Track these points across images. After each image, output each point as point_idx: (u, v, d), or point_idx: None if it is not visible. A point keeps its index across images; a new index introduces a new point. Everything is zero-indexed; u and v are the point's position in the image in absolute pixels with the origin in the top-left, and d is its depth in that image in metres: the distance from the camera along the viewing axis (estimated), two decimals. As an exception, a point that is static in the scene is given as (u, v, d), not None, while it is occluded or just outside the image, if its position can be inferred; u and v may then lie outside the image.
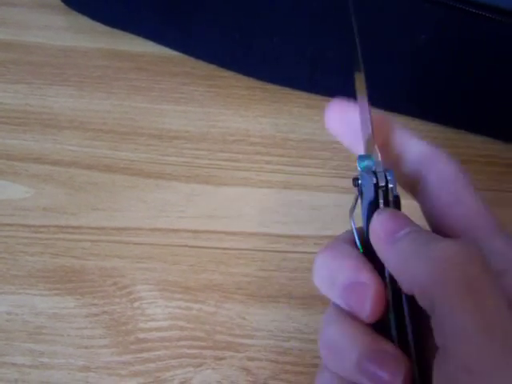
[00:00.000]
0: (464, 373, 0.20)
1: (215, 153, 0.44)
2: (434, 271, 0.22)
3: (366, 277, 0.24)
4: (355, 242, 0.26)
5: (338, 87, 0.46)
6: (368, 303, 0.24)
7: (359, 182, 0.26)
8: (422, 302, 0.22)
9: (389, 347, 0.24)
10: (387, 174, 0.25)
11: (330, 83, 0.45)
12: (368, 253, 0.25)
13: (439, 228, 0.26)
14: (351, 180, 0.27)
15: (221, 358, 0.37)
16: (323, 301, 0.38)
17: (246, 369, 0.37)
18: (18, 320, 0.38)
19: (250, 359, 0.37)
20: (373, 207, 0.25)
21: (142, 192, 0.42)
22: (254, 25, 0.44)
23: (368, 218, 0.25)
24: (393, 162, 0.27)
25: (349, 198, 0.42)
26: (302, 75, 0.46)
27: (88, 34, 0.49)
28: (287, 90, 0.47)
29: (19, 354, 0.37)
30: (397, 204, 0.25)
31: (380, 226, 0.24)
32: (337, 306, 0.26)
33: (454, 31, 0.40)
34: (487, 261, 0.22)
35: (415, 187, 0.27)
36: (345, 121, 0.29)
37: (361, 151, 0.27)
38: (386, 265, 0.24)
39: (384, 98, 0.45)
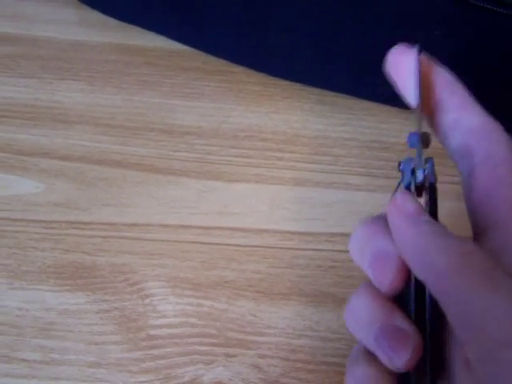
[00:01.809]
0: (503, 348, 0.20)
1: (226, 149, 0.44)
2: (454, 261, 0.22)
3: (391, 248, 0.25)
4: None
5: (350, 83, 0.46)
6: (390, 273, 0.24)
7: (401, 166, 0.27)
8: (434, 289, 0.22)
9: (403, 324, 0.24)
10: (428, 161, 0.27)
11: (342, 79, 0.45)
12: None
13: (476, 209, 0.25)
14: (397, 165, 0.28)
15: (232, 356, 0.37)
16: (334, 298, 0.39)
17: (257, 366, 0.37)
18: (28, 316, 0.38)
19: (261, 357, 0.37)
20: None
21: (153, 188, 0.42)
22: (266, 20, 0.43)
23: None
24: (445, 129, 0.28)
25: (361, 196, 0.42)
26: (314, 71, 0.45)
27: (98, 29, 0.49)
28: (299, 86, 0.46)
29: (30, 350, 0.37)
30: (432, 191, 0.26)
31: (404, 204, 0.25)
32: (366, 282, 0.27)
33: (469, 27, 0.39)
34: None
35: (462, 159, 0.27)
36: (404, 66, 0.29)
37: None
38: (402, 244, 0.24)
39: (398, 95, 0.45)
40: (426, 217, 0.24)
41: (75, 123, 0.44)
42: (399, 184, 0.27)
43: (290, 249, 0.40)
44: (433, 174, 0.27)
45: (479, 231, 0.25)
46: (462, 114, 0.27)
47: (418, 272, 0.23)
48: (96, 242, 0.40)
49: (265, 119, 0.45)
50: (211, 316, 0.38)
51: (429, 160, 0.27)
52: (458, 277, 0.22)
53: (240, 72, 0.47)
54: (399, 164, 0.27)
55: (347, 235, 0.27)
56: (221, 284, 0.39)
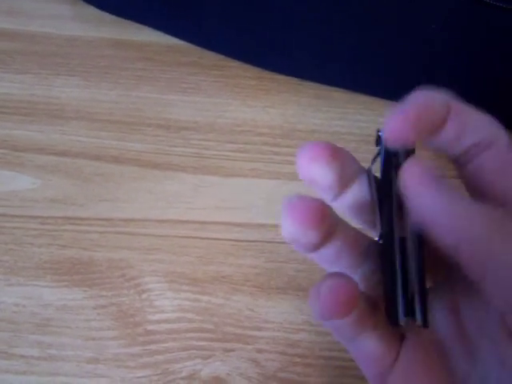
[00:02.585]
0: None
1: (223, 143, 0.44)
2: (491, 224, 0.21)
3: None
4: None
5: (347, 77, 0.46)
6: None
7: (380, 133, 0.26)
8: (468, 254, 0.22)
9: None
10: None
11: (339, 73, 0.45)
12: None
13: (488, 191, 0.25)
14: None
15: (229, 350, 0.37)
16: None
17: (255, 361, 0.37)
18: (25, 312, 0.38)
19: (259, 351, 0.37)
20: (388, 157, 0.26)
21: (150, 183, 0.42)
22: (263, 14, 0.43)
23: (385, 164, 0.26)
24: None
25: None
26: (311, 65, 0.45)
27: (94, 24, 0.49)
28: (295, 81, 0.46)
29: (27, 346, 0.37)
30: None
31: (420, 168, 0.23)
32: None
33: (465, 21, 0.39)
34: None
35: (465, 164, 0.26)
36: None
37: None
38: (428, 210, 0.23)
39: (394, 89, 0.45)
40: (444, 179, 0.23)
41: (71, 119, 0.44)
42: (378, 153, 0.26)
43: (287, 243, 0.40)
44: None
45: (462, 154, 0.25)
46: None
47: (449, 238, 0.22)
48: (93, 238, 0.40)
49: (261, 114, 0.45)
50: (208, 311, 0.38)
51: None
52: (496, 240, 0.21)
53: (236, 66, 0.47)
54: (378, 131, 0.26)
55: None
56: (218, 279, 0.39)
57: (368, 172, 0.27)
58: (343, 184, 0.26)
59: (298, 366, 0.37)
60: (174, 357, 0.37)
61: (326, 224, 0.24)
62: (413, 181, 0.23)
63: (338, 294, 0.24)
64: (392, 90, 0.45)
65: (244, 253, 0.40)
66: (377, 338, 0.26)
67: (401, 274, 0.25)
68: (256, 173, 0.42)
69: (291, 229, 0.25)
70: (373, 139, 0.44)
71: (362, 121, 0.45)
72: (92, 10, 0.49)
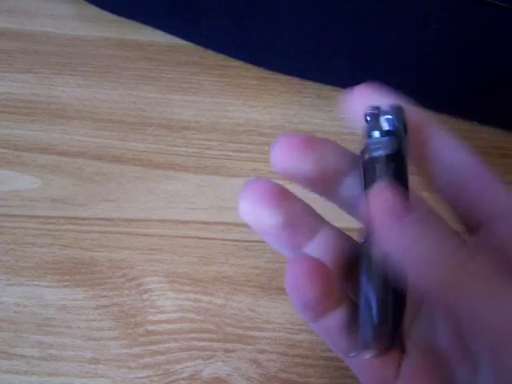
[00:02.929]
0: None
1: (225, 143, 0.43)
2: (454, 273, 0.20)
3: None
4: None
5: (349, 77, 0.46)
6: None
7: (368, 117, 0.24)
8: (438, 301, 0.21)
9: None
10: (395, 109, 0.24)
11: (341, 74, 0.45)
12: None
13: (472, 203, 0.24)
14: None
15: (231, 351, 0.37)
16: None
17: (256, 361, 0.37)
18: (26, 312, 0.37)
19: (260, 352, 0.37)
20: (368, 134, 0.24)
21: (151, 183, 0.42)
22: (264, 14, 0.43)
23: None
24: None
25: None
26: (313, 65, 0.45)
27: (96, 23, 0.49)
28: (297, 81, 0.46)
29: (28, 346, 0.37)
30: (399, 143, 0.23)
31: (383, 203, 0.21)
32: None
33: (467, 21, 0.39)
34: None
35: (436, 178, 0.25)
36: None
37: None
38: (388, 249, 0.21)
39: (396, 89, 0.45)
40: (415, 211, 0.21)
41: (73, 118, 0.44)
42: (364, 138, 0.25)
43: (289, 244, 0.40)
44: (401, 122, 0.24)
45: (475, 225, 0.24)
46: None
47: (418, 284, 0.21)
48: (94, 238, 0.40)
49: (263, 114, 0.45)
50: (210, 311, 0.38)
51: (396, 108, 0.24)
52: (461, 289, 0.20)
53: (238, 66, 0.47)
54: (365, 115, 0.24)
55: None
56: (219, 279, 0.39)
57: (360, 164, 0.25)
58: (328, 178, 0.25)
59: (299, 367, 0.37)
60: (175, 357, 0.37)
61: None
62: (380, 209, 0.22)
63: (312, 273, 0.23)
64: (395, 90, 0.45)
65: (245, 253, 0.40)
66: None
67: (364, 295, 0.24)
68: (258, 173, 0.42)
69: (247, 209, 0.25)
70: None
71: (363, 121, 0.45)
72: (93, 10, 0.49)
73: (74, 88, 0.46)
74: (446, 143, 0.25)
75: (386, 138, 0.24)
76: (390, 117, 0.24)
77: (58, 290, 0.38)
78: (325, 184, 0.25)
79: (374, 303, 0.24)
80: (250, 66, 0.46)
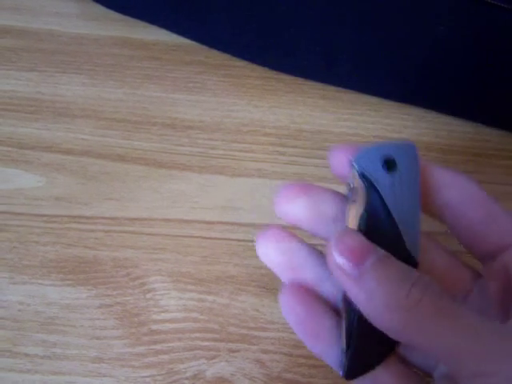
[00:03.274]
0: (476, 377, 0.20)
1: (229, 143, 0.43)
2: (404, 317, 0.22)
3: None
4: None
5: (353, 78, 0.46)
6: None
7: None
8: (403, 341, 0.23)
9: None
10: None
11: (346, 74, 0.45)
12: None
13: (473, 246, 0.26)
14: None
15: (234, 351, 0.37)
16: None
17: (260, 361, 0.37)
18: (30, 310, 0.37)
19: (264, 352, 0.37)
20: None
21: (155, 182, 0.42)
22: (269, 14, 0.43)
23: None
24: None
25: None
26: (317, 65, 0.45)
27: (100, 22, 0.49)
28: (302, 81, 0.46)
29: (31, 345, 0.37)
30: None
31: (340, 258, 0.23)
32: None
33: (473, 22, 0.39)
34: None
35: (443, 214, 0.27)
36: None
37: None
38: (355, 301, 0.23)
39: (401, 90, 0.45)
40: (370, 256, 0.23)
41: (77, 117, 0.44)
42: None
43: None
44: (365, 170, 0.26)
45: (485, 254, 0.26)
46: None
47: (381, 326, 0.23)
48: (98, 237, 0.40)
49: (267, 114, 0.45)
50: (213, 311, 0.38)
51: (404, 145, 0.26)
52: (414, 331, 0.22)
53: (243, 66, 0.47)
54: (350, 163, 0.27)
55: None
56: (223, 279, 0.39)
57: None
58: (323, 221, 0.28)
59: (302, 367, 0.37)
60: (179, 357, 0.37)
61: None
62: (336, 269, 0.23)
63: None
64: (399, 91, 0.45)
65: (249, 253, 0.40)
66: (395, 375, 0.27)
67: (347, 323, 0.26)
68: (262, 173, 0.42)
69: (261, 250, 0.28)
70: (380, 140, 0.44)
71: (368, 122, 0.45)
72: (98, 8, 0.48)
73: (78, 86, 0.45)
74: (448, 179, 0.27)
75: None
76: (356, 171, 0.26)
77: (62, 289, 0.38)
78: (321, 227, 0.28)
79: (344, 329, 0.26)
80: (254, 66, 0.46)
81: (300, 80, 0.46)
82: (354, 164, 0.26)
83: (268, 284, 0.39)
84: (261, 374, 0.36)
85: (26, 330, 0.37)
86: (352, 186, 0.27)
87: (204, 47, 0.47)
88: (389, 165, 0.26)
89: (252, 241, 0.40)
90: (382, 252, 0.23)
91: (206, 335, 0.37)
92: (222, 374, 0.36)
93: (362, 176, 0.26)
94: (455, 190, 0.26)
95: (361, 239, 0.24)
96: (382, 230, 0.25)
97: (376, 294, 0.22)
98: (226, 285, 0.39)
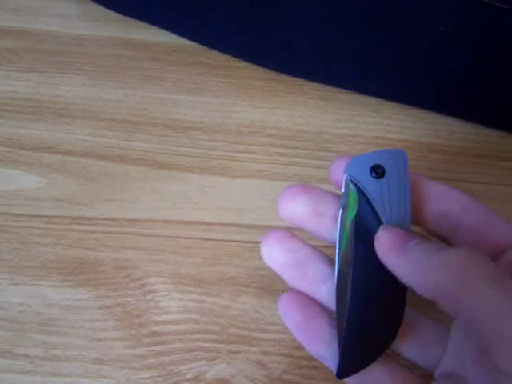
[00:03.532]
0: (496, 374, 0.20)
1: (230, 144, 0.43)
2: (455, 275, 0.23)
3: None
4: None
5: (354, 79, 0.46)
6: None
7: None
8: (445, 306, 0.24)
9: None
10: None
11: (346, 75, 0.45)
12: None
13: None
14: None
15: (235, 352, 0.37)
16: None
17: (261, 363, 0.36)
18: (30, 311, 0.37)
19: (265, 353, 0.37)
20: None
21: (156, 183, 0.42)
22: (270, 15, 0.43)
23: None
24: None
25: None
26: (318, 67, 0.45)
27: (101, 23, 0.49)
28: (302, 82, 0.46)
29: (32, 346, 0.36)
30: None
31: (387, 239, 0.26)
32: None
33: (472, 23, 0.39)
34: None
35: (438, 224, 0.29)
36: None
37: None
38: (400, 276, 0.26)
39: (401, 91, 0.45)
40: (416, 239, 0.26)
41: (78, 118, 0.44)
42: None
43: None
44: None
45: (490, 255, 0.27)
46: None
47: (427, 295, 0.24)
48: (98, 238, 0.40)
49: (268, 115, 0.45)
50: (214, 312, 0.38)
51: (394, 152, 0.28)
52: (463, 292, 0.23)
53: (243, 67, 0.47)
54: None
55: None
56: (224, 280, 0.39)
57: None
58: (323, 220, 0.30)
59: (303, 369, 0.37)
60: (179, 358, 0.36)
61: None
62: (384, 250, 0.26)
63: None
64: (399, 92, 0.45)
65: (250, 254, 0.40)
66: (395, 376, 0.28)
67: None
68: (263, 174, 0.42)
69: (265, 251, 0.30)
70: (381, 141, 0.44)
71: (369, 123, 0.45)
72: (99, 9, 0.48)
73: (78, 87, 0.45)
74: (441, 191, 0.29)
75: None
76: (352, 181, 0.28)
77: (62, 290, 0.38)
78: (322, 227, 0.30)
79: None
80: (255, 67, 0.46)
81: (300, 81, 0.46)
82: (345, 171, 0.28)
83: (268, 285, 0.39)
84: (261, 376, 0.36)
85: (26, 332, 0.37)
86: (344, 192, 0.29)
87: (204, 48, 0.47)
88: (377, 172, 0.28)
89: (252, 242, 0.40)
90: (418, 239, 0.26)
91: (206, 336, 0.37)
92: (222, 375, 0.36)
93: (352, 182, 0.28)
94: (450, 200, 0.28)
95: (403, 231, 0.27)
96: (371, 234, 0.27)
97: (421, 265, 0.25)
98: (227, 286, 0.39)
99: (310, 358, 0.37)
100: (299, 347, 0.37)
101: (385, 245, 0.26)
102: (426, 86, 0.44)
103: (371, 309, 0.27)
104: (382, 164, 0.28)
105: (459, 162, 0.43)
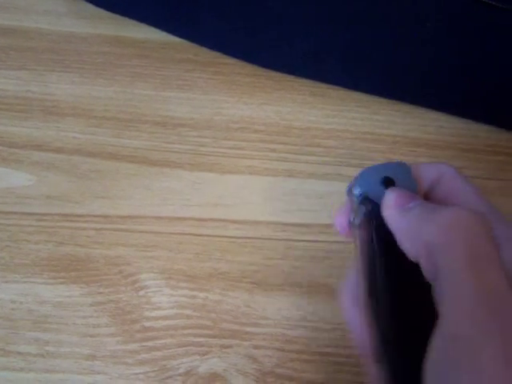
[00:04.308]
0: (451, 340, 0.20)
1: (219, 140, 0.44)
2: (440, 233, 0.23)
3: None
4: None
5: (342, 75, 0.46)
6: None
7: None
8: (426, 268, 0.23)
9: None
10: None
11: (334, 72, 0.45)
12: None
13: None
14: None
15: (227, 347, 0.37)
16: (328, 289, 0.39)
17: (252, 357, 0.37)
18: (23, 309, 0.38)
19: (256, 347, 0.37)
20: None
21: (147, 180, 0.42)
22: (258, 12, 0.43)
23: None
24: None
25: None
26: (307, 63, 0.45)
27: (90, 20, 0.49)
28: (291, 78, 0.46)
29: (25, 343, 0.37)
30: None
31: (392, 200, 0.27)
32: None
33: (460, 19, 0.40)
34: (492, 231, 0.23)
35: None
36: None
37: None
38: (397, 233, 0.26)
39: (390, 87, 0.45)
40: (418, 200, 0.26)
41: (67, 115, 0.44)
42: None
43: (284, 240, 0.40)
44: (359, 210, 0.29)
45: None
46: None
47: (412, 254, 0.24)
48: (90, 235, 0.40)
49: (257, 111, 0.45)
50: (206, 307, 0.38)
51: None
52: (444, 251, 0.23)
53: (232, 64, 0.47)
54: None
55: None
56: (215, 275, 0.39)
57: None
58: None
59: (294, 362, 0.37)
60: (172, 353, 0.37)
61: None
62: (387, 208, 0.27)
63: None
64: (387, 87, 0.46)
65: (241, 249, 0.40)
66: None
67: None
68: (252, 170, 0.43)
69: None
70: (369, 136, 0.45)
71: (357, 118, 0.45)
72: (88, 7, 0.48)
73: (68, 85, 0.45)
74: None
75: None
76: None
77: (54, 287, 0.38)
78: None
79: None
80: (244, 64, 0.46)
81: (290, 77, 0.46)
82: (355, 188, 0.29)
83: (260, 280, 0.39)
84: (253, 370, 0.36)
85: (19, 329, 0.37)
86: (359, 208, 0.29)
87: (194, 45, 0.47)
88: (387, 183, 0.28)
89: (243, 237, 0.40)
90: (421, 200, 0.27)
91: (198, 331, 0.37)
92: (214, 369, 0.36)
93: (365, 198, 0.29)
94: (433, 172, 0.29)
95: (407, 192, 0.27)
96: (390, 242, 0.27)
97: (414, 223, 0.25)
98: (218, 281, 0.39)
99: (301, 351, 0.37)
100: (290, 341, 0.37)
101: (389, 204, 0.27)
102: (413, 82, 0.44)
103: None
104: (390, 176, 0.29)
105: (447, 155, 0.44)
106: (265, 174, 0.43)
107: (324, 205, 0.41)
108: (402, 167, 0.29)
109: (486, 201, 0.28)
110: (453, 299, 0.21)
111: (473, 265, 0.22)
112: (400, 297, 0.26)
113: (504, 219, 0.27)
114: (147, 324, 0.37)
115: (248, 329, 0.38)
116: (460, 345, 0.20)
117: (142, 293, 0.38)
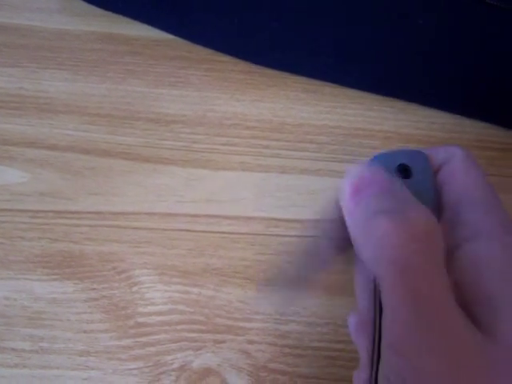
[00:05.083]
0: (390, 350, 0.21)
1: (212, 137, 0.44)
2: (373, 249, 0.22)
3: None
4: None
5: (336, 72, 0.46)
6: None
7: None
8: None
9: None
10: None
11: (328, 68, 0.45)
12: None
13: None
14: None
15: (220, 342, 0.37)
16: (321, 284, 0.39)
17: (246, 352, 0.37)
18: (16, 305, 0.38)
19: (250, 342, 0.37)
20: None
21: (140, 176, 0.42)
22: (252, 9, 0.43)
23: None
24: None
25: (346, 183, 0.42)
26: (299, 59, 0.45)
27: (82, 17, 0.49)
28: (284, 75, 0.46)
29: (19, 339, 0.37)
30: None
31: (346, 182, 0.24)
32: None
33: (452, 16, 0.40)
34: (437, 235, 0.22)
35: None
36: None
37: None
38: (348, 225, 0.24)
39: (382, 83, 0.45)
40: (372, 187, 0.24)
41: (61, 112, 0.44)
42: None
43: (277, 236, 0.40)
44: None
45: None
46: None
47: (357, 255, 0.24)
48: (83, 231, 0.40)
49: (250, 107, 0.45)
50: (199, 303, 0.38)
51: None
52: (377, 267, 0.22)
53: (225, 61, 0.47)
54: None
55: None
56: (208, 271, 0.39)
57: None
58: None
59: (287, 357, 0.37)
60: (166, 349, 0.37)
61: None
62: (340, 194, 0.25)
63: None
64: (380, 84, 0.46)
65: (234, 245, 0.40)
66: None
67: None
68: (245, 166, 0.43)
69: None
70: (362, 132, 0.45)
71: (350, 114, 0.45)
72: (80, 4, 0.48)
73: (61, 82, 0.46)
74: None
75: None
76: None
77: (48, 284, 0.38)
78: None
79: None
80: (237, 61, 0.47)
81: (283, 74, 0.46)
82: None
83: (253, 275, 0.39)
84: (247, 365, 0.37)
85: (13, 325, 0.37)
86: None
87: (186, 42, 0.47)
88: (404, 171, 0.26)
89: (236, 233, 0.40)
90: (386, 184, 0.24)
91: (192, 327, 0.38)
92: (208, 364, 0.37)
93: None
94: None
95: (362, 172, 0.24)
96: None
97: (361, 219, 0.23)
98: (212, 277, 0.39)
99: (294, 346, 0.37)
100: (283, 336, 0.38)
101: (343, 188, 0.24)
102: (406, 78, 0.44)
103: None
104: (407, 164, 0.26)
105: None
106: (258, 170, 0.43)
107: (316, 201, 0.42)
108: (420, 155, 0.27)
109: (483, 189, 0.26)
110: (388, 313, 0.21)
111: (403, 280, 0.21)
112: None
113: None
114: (141, 320, 0.38)
115: (241, 324, 0.38)
116: (399, 358, 0.21)
117: (135, 289, 0.38)
